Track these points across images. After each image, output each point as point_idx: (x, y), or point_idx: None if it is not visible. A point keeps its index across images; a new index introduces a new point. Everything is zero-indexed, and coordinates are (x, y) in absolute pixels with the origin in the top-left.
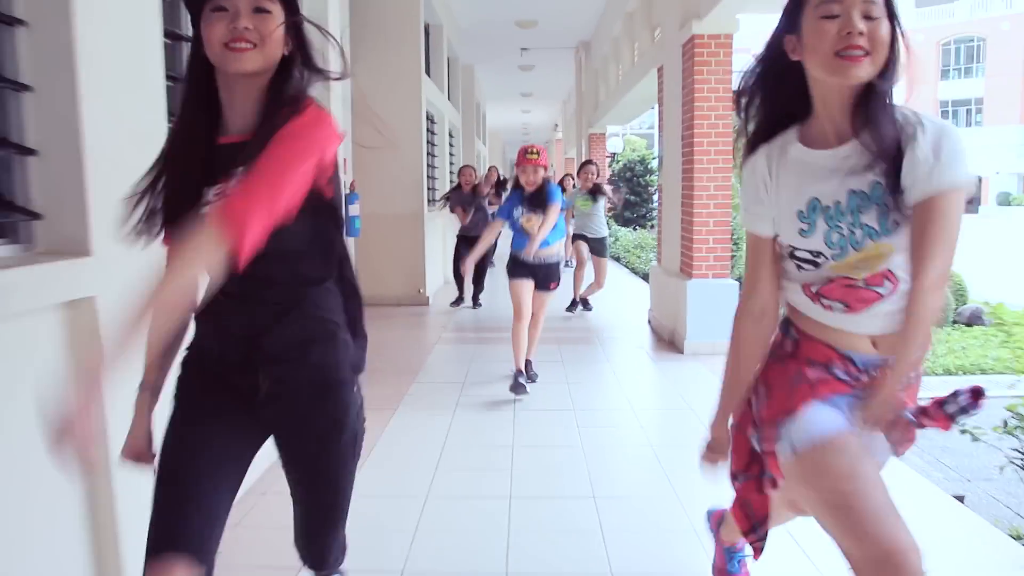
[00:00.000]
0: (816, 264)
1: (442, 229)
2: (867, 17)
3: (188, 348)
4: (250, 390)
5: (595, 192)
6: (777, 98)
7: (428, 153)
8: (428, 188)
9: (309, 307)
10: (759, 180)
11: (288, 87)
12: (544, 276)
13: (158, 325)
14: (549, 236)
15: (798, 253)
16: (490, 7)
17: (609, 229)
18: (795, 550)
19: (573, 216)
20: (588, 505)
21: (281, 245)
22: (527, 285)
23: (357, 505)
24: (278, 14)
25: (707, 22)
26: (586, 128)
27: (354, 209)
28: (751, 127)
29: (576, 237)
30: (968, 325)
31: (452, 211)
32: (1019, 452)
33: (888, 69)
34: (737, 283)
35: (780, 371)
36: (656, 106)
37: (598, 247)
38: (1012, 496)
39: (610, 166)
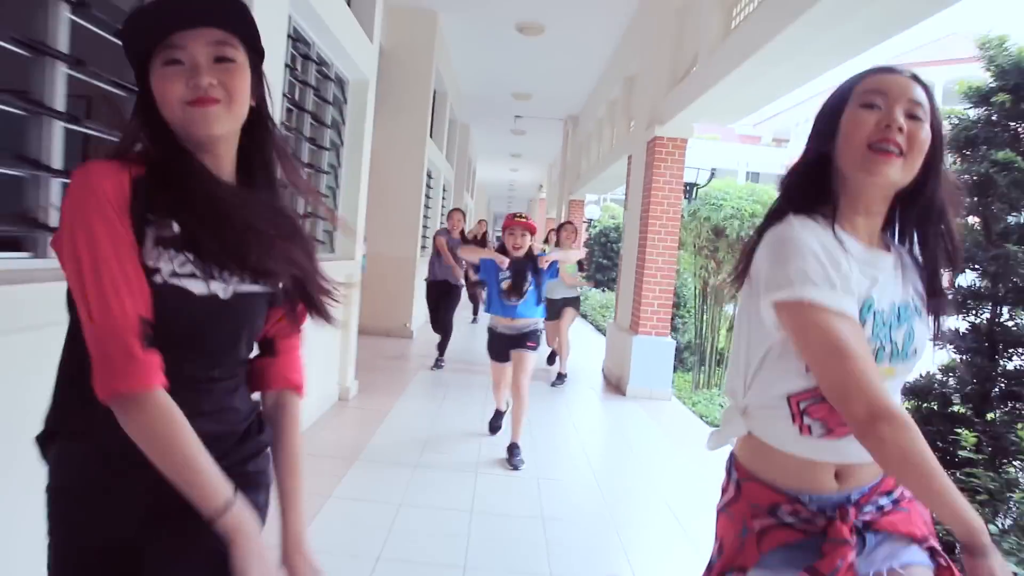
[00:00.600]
0: None
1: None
2: (910, 116)
3: None
4: None
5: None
6: (804, 197)
7: (424, 205)
8: (422, 236)
9: None
10: (830, 245)
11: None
12: (523, 340)
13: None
14: (527, 311)
15: None
16: (491, 79)
17: (580, 290)
18: None
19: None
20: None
21: None
22: (507, 369)
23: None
24: (243, 62)
25: (668, 127)
26: (567, 194)
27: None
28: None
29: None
30: None
31: (436, 250)
32: None
33: (925, 178)
34: (673, 341)
35: (727, 523)
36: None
37: (574, 304)
38: None
39: (587, 231)
